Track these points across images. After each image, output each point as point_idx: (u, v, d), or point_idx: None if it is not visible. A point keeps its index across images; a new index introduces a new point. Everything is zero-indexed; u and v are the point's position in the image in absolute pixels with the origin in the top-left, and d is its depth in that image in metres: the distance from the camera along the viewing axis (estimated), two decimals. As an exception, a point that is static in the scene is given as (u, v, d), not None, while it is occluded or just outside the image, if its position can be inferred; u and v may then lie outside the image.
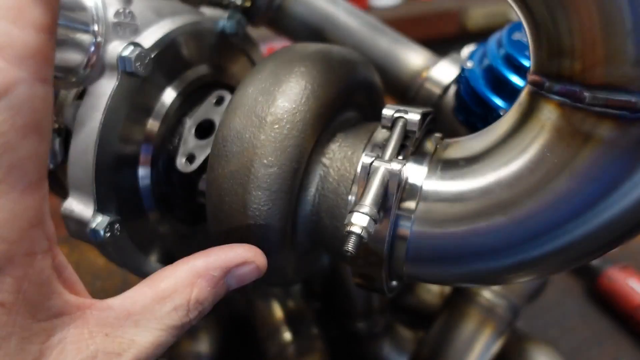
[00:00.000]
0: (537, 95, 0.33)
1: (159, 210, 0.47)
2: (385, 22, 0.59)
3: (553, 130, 0.31)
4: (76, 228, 0.40)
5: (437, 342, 0.55)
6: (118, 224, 0.40)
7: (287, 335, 0.57)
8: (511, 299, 0.57)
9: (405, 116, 0.36)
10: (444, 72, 0.55)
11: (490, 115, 0.48)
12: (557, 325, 0.83)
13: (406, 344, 0.69)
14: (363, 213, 0.32)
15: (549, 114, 0.31)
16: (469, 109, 0.50)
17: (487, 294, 0.57)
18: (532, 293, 0.61)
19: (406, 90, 0.57)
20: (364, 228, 0.31)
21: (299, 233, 0.40)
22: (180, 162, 0.43)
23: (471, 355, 0.54)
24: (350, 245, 0.31)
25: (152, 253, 0.47)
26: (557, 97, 0.31)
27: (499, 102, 0.47)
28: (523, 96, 0.35)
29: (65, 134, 0.45)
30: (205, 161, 0.43)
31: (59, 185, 0.50)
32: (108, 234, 0.39)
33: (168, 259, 0.49)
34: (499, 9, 1.67)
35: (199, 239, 0.53)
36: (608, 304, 0.85)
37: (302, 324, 0.59)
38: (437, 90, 0.55)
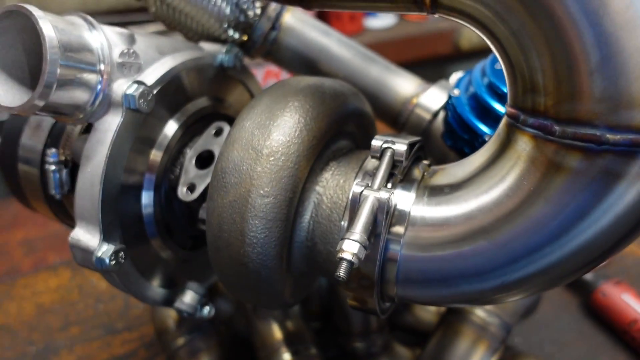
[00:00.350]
0: (514, 127, 0.35)
1: (160, 236, 0.49)
2: (380, 43, 0.62)
3: (528, 160, 0.34)
4: (83, 256, 0.42)
5: (433, 360, 0.57)
6: (122, 252, 0.42)
7: (287, 356, 0.59)
8: (503, 317, 0.59)
9: (393, 147, 0.38)
10: (433, 99, 0.58)
11: (477, 141, 0.50)
12: (553, 341, 0.84)
13: (404, 362, 0.70)
14: (353, 240, 0.34)
15: (524, 145, 0.34)
16: (456, 135, 0.52)
17: (481, 312, 0.59)
18: (525, 311, 0.63)
19: (397, 116, 0.60)
20: (354, 254, 0.33)
21: (295, 258, 0.42)
22: (182, 191, 0.46)
23: (466, 372, 0.56)
24: (341, 271, 0.33)
25: (154, 278, 0.49)
26: (531, 130, 0.33)
27: (484, 128, 0.50)
28: (501, 127, 0.37)
29: (72, 166, 0.47)
30: (206, 190, 0.45)
31: (65, 214, 0.52)
32: (113, 262, 0.41)
33: (169, 283, 0.51)
34: (491, 29, 1.71)
35: (199, 263, 0.55)
36: (603, 319, 0.86)
37: (301, 344, 0.61)
38: (427, 116, 0.58)
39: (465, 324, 0.58)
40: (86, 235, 0.41)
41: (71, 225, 0.55)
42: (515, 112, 0.35)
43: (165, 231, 0.49)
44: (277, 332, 0.61)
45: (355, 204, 0.37)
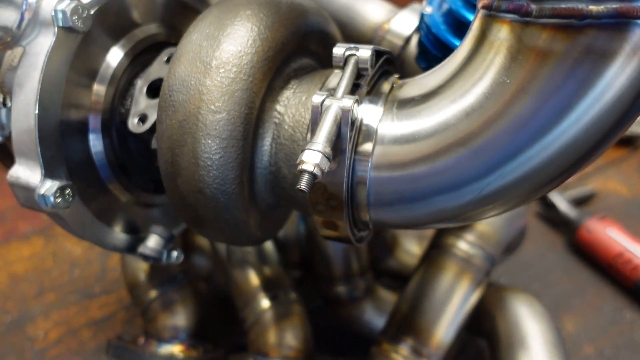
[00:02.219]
0: (488, 19, 0.31)
1: (117, 179, 0.45)
2: None
3: (507, 52, 0.30)
4: (24, 195, 0.38)
5: (415, 297, 0.55)
6: (69, 189, 0.39)
7: (265, 302, 0.57)
8: (487, 248, 0.57)
9: (357, 53, 0.34)
10: (404, 23, 0.54)
11: (452, 59, 0.47)
12: (539, 280, 0.83)
13: (388, 306, 0.69)
14: (315, 150, 0.30)
15: (499, 34, 0.30)
16: (430, 55, 0.48)
17: (463, 245, 0.57)
18: (509, 242, 0.61)
19: (369, 43, 0.56)
20: (316, 165, 0.30)
21: (258, 185, 0.39)
22: (132, 122, 0.42)
23: (450, 306, 0.54)
24: (303, 184, 0.30)
25: (114, 223, 0.46)
26: (506, 15, 0.29)
27: (459, 44, 0.46)
28: (475, 24, 0.33)
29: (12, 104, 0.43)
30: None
31: (12, 159, 0.48)
32: (59, 200, 0.38)
33: (132, 229, 0.48)
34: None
35: (164, 207, 0.51)
36: (588, 255, 0.85)
37: (279, 289, 0.58)
38: (399, 42, 0.54)
39: (447, 258, 0.56)
40: (26, 172, 0.37)
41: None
42: (488, 1, 0.31)
43: (122, 173, 0.45)
44: (253, 279, 0.58)
45: (316, 116, 0.33)
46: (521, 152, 0.32)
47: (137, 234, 0.48)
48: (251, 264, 0.59)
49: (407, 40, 0.54)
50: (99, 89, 0.41)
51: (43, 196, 0.37)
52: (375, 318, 0.68)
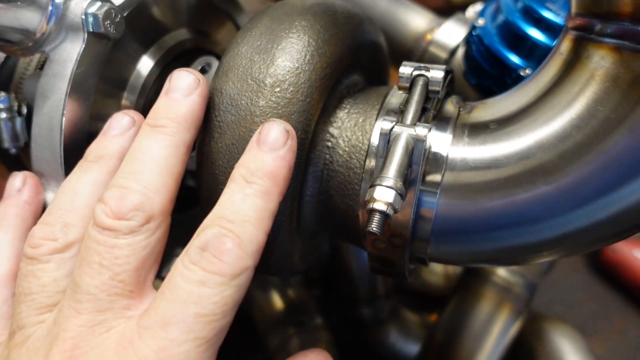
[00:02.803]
0: (584, 41, 0.28)
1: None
2: None
3: (606, 80, 0.27)
4: (45, 220, 0.34)
5: (452, 327, 0.52)
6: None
7: (291, 329, 0.53)
8: (528, 276, 0.54)
9: (427, 74, 0.31)
10: (450, 34, 0.51)
11: (508, 76, 0.43)
12: (562, 301, 0.80)
13: (412, 328, 0.65)
14: (387, 187, 0.27)
15: (601, 61, 0.27)
16: (482, 71, 0.45)
17: (502, 272, 0.53)
18: (547, 267, 0.58)
19: (408, 55, 0.52)
20: (389, 204, 0.26)
21: (305, 214, 0.35)
22: (164, 139, 0.38)
23: (489, 338, 0.51)
24: (374, 225, 0.26)
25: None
26: (611, 41, 0.26)
27: (516, 60, 0.43)
28: (564, 45, 0.30)
29: (27, 113, 0.39)
30: (193, 137, 0.37)
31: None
32: (83, 226, 0.34)
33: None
34: (485, -21, 1.62)
35: (186, 227, 0.47)
36: (614, 276, 0.82)
37: (304, 314, 0.54)
38: (443, 54, 0.50)
39: (486, 286, 0.53)
40: (48, 194, 0.33)
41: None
42: (586, 22, 0.28)
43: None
44: (278, 302, 0.55)
45: (383, 144, 0.30)
46: (614, 191, 0.28)
47: (159, 257, 0.44)
48: (274, 286, 0.56)
49: (452, 52, 0.50)
50: (128, 99, 0.37)
51: (66, 222, 0.33)
52: (399, 341, 0.64)
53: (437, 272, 0.72)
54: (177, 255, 0.43)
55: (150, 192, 0.28)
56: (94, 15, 0.32)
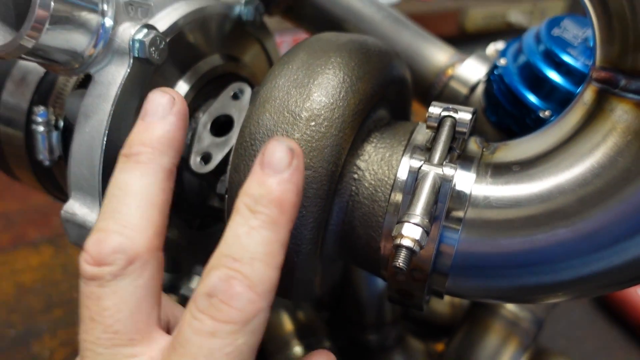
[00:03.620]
0: (608, 94, 0.29)
1: (166, 213, 0.42)
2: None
3: (628, 133, 0.28)
4: (78, 233, 0.35)
5: (459, 358, 0.52)
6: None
7: (298, 349, 0.53)
8: (535, 311, 0.54)
9: (455, 115, 0.32)
10: (471, 70, 0.52)
11: (528, 116, 0.44)
12: (566, 336, 0.81)
13: (417, 356, 0.66)
14: (415, 224, 0.28)
15: (623, 115, 0.28)
16: (502, 109, 0.46)
17: (511, 306, 0.54)
18: (554, 303, 0.58)
19: (429, 88, 0.54)
20: (416, 241, 0.28)
21: (328, 243, 0.36)
22: (195, 161, 0.39)
23: (496, 371, 0.51)
24: (400, 261, 0.27)
25: (157, 260, 0.43)
26: (635, 96, 0.27)
27: (536, 101, 0.44)
28: (587, 94, 0.31)
29: (63, 127, 0.40)
30: (222, 161, 0.38)
31: (53, 184, 0.45)
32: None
33: (173, 267, 0.45)
34: (498, 10, 1.66)
35: (207, 245, 0.48)
36: (617, 313, 0.83)
37: (313, 336, 0.55)
38: (464, 90, 0.52)
39: (494, 319, 0.53)
40: (82, 209, 0.35)
41: (60, 197, 0.48)
42: (610, 76, 0.29)
43: (171, 207, 0.42)
44: (287, 324, 0.55)
45: (411, 182, 0.31)
46: (630, 238, 0.29)
47: (177, 273, 0.45)
48: (284, 307, 0.56)
49: (473, 88, 0.52)
50: (162, 121, 0.39)
51: (98, 237, 0.34)
52: (404, 368, 0.64)
53: (443, 301, 0.73)
54: (197, 274, 0.44)
55: (130, 231, 0.26)
56: (141, 42, 0.33)
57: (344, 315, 0.64)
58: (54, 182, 0.44)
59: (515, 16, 1.66)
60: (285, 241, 0.26)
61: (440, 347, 0.67)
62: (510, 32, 1.75)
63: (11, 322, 0.76)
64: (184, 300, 0.45)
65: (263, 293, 0.25)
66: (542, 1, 1.75)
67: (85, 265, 0.26)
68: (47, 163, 0.40)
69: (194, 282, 0.44)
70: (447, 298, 0.73)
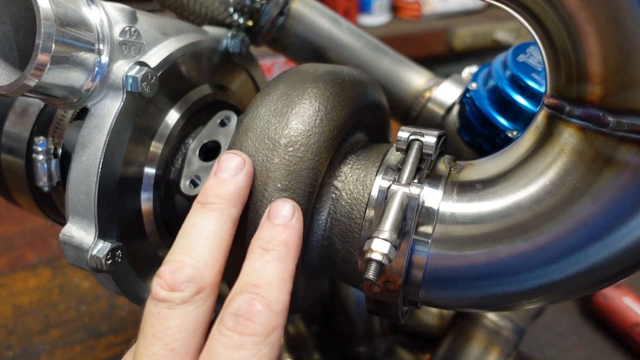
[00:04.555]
0: (556, 119, 0.32)
1: (159, 233, 0.45)
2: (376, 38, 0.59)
3: (574, 154, 0.31)
4: (75, 255, 0.38)
5: (443, 367, 0.54)
6: (120, 251, 0.38)
7: (289, 362, 0.56)
8: (516, 320, 0.57)
9: (422, 139, 0.35)
10: (446, 93, 0.55)
11: (497, 136, 0.48)
12: (553, 345, 0.83)
13: (407, 367, 0.68)
14: (383, 239, 0.31)
15: (569, 138, 0.31)
16: (474, 130, 0.49)
17: (492, 316, 0.56)
18: (535, 313, 0.61)
19: (409, 110, 0.57)
20: (384, 255, 0.30)
21: (309, 258, 0.39)
22: (185, 185, 0.42)
23: (478, 379, 0.53)
24: (370, 273, 0.30)
25: (150, 278, 0.45)
26: (578, 122, 0.30)
27: (505, 122, 0.47)
28: (540, 119, 0.34)
29: (62, 155, 0.43)
30: (211, 184, 0.41)
31: (52, 209, 0.48)
32: (109, 262, 0.37)
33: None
34: (485, 29, 1.71)
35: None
36: (604, 322, 0.85)
37: (303, 350, 0.57)
38: (440, 111, 0.55)
39: (476, 328, 0.56)
40: (79, 232, 0.37)
41: (58, 221, 0.51)
42: (558, 103, 0.32)
43: (164, 228, 0.45)
44: (278, 337, 0.57)
45: (382, 200, 0.34)
46: (582, 249, 0.32)
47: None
48: (276, 321, 0.59)
49: (448, 110, 0.55)
50: (156, 146, 0.42)
51: (95, 258, 0.37)
52: (393, 380, 0.66)
53: (432, 312, 0.75)
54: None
55: (201, 265, 0.30)
56: (134, 78, 0.36)
57: (334, 328, 0.66)
58: (53, 206, 0.47)
59: (502, 34, 1.71)
60: (292, 272, 0.32)
61: (428, 357, 0.69)
62: (497, 49, 1.80)
63: (9, 344, 0.78)
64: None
65: (279, 311, 0.29)
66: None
67: (159, 289, 0.29)
68: (46, 189, 0.43)
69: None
70: (435, 310, 0.76)
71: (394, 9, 1.73)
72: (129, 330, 0.83)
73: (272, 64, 1.50)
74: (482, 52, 1.82)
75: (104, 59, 0.36)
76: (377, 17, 1.66)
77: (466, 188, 0.36)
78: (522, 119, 0.47)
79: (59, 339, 0.80)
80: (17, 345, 0.78)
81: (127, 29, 0.37)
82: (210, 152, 0.44)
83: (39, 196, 0.47)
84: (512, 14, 0.33)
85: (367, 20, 1.65)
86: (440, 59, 1.74)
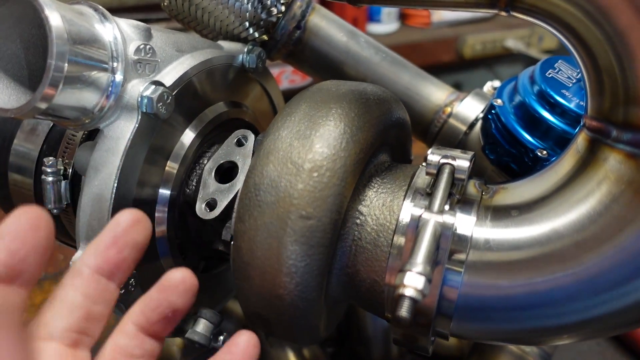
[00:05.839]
0: (600, 143, 0.30)
1: (173, 257, 0.43)
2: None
3: (621, 182, 0.29)
4: (87, 284, 0.36)
5: (466, 394, 0.52)
6: (133, 280, 0.36)
7: (304, 387, 0.53)
8: (543, 345, 0.54)
9: (454, 163, 0.33)
10: (469, 108, 0.53)
11: (526, 155, 0.45)
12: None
13: (425, 390, 0.65)
14: (417, 273, 0.28)
15: (616, 165, 0.29)
16: (501, 148, 0.47)
17: (517, 340, 0.54)
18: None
19: (429, 126, 0.55)
20: (419, 291, 0.28)
21: (332, 286, 0.37)
22: (200, 208, 0.40)
23: (503, 408, 0.51)
24: (404, 310, 0.28)
25: (164, 304, 0.43)
26: (627, 148, 0.28)
27: (533, 140, 0.45)
28: (580, 142, 0.32)
29: (72, 176, 0.41)
30: (227, 207, 0.39)
31: (61, 231, 0.46)
32: (122, 291, 0.35)
33: (180, 310, 0.45)
34: (496, 36, 1.69)
35: (209, 287, 0.49)
36: (627, 342, 0.82)
37: (319, 374, 0.55)
38: (463, 127, 0.53)
39: (501, 354, 0.53)
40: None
41: (67, 243, 0.49)
42: (602, 126, 0.30)
43: (178, 251, 0.43)
44: (293, 361, 0.55)
45: (413, 228, 0.32)
46: (629, 283, 0.30)
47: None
48: (290, 345, 0.56)
49: (471, 126, 0.53)
50: (171, 167, 0.40)
51: (108, 288, 0.35)
52: (411, 403, 0.64)
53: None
54: (203, 317, 0.45)
55: None
56: (149, 98, 0.35)
57: (349, 349, 0.64)
58: (61, 228, 0.45)
59: (513, 42, 1.69)
60: None
61: (447, 380, 0.67)
62: (507, 57, 1.78)
63: None
64: (189, 344, 0.45)
65: None
66: (538, 27, 1.79)
67: None
68: (55, 212, 0.41)
69: (200, 326, 0.44)
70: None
71: (403, 16, 1.71)
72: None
73: (281, 72, 1.48)
74: (492, 60, 1.79)
75: (118, 77, 0.35)
76: (386, 25, 1.64)
77: (500, 214, 0.34)
78: (551, 137, 0.45)
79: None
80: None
81: (142, 46, 0.36)
82: (226, 172, 0.42)
83: (48, 218, 0.45)
84: (552, 32, 0.31)
85: (376, 28, 1.63)
86: (449, 67, 1.72)
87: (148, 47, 0.36)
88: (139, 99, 0.35)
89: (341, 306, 0.43)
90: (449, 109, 0.54)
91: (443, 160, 0.34)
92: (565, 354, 0.81)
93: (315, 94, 0.37)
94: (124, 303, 0.37)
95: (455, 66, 1.74)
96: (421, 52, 1.63)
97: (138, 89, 0.35)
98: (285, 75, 1.51)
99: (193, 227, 0.44)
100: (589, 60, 0.30)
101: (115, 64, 0.34)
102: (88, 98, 0.34)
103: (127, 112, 0.35)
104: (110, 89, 0.34)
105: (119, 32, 0.34)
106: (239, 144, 0.43)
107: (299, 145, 0.33)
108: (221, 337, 0.46)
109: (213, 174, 0.41)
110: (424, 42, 1.65)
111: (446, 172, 0.33)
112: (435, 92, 0.55)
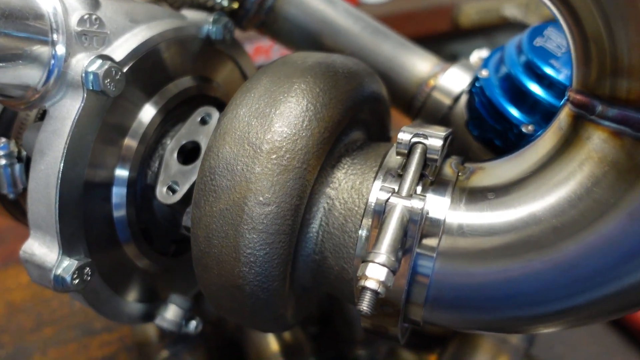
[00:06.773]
0: (584, 120, 0.28)
1: (136, 242, 0.41)
2: (376, 19, 0.54)
3: (604, 162, 0.26)
4: (38, 273, 0.34)
5: (448, 376, 0.51)
6: (88, 268, 0.34)
7: (284, 370, 0.52)
8: (527, 326, 0.53)
9: (425, 142, 0.30)
10: (454, 80, 0.50)
11: (510, 131, 0.43)
12: (563, 342, 0.79)
13: (410, 369, 0.64)
14: (380, 264, 0.26)
15: (600, 144, 0.26)
16: (485, 124, 0.45)
17: (501, 321, 0.52)
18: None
19: (412, 100, 0.52)
20: (381, 283, 0.26)
21: (299, 273, 0.35)
22: (161, 191, 0.38)
23: (486, 390, 0.50)
24: (365, 304, 0.26)
25: (129, 292, 0.41)
26: (612, 125, 0.26)
27: (518, 115, 0.43)
28: (563, 118, 0.30)
29: (27, 159, 0.39)
30: (190, 190, 0.37)
31: (22, 214, 0.44)
32: (76, 281, 0.33)
33: (149, 296, 0.44)
34: (492, 4, 1.63)
35: (182, 271, 0.47)
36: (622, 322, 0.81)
37: (299, 356, 0.54)
38: (447, 101, 0.50)
39: (483, 336, 0.52)
40: (42, 249, 0.33)
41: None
42: (587, 101, 0.27)
43: (142, 236, 0.41)
44: (273, 344, 0.54)
45: (379, 215, 0.29)
46: (610, 271, 0.28)
47: (153, 302, 0.44)
48: (270, 326, 0.55)
49: (456, 99, 0.50)
50: (129, 145, 0.37)
51: (59, 277, 0.33)
52: (396, 383, 0.63)
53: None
54: (174, 303, 0.43)
55: None
56: (95, 74, 0.32)
57: (333, 331, 0.63)
58: (23, 211, 0.43)
59: (510, 10, 1.63)
60: None
61: (432, 358, 0.66)
62: (505, 26, 1.72)
63: (1, 343, 0.76)
64: (161, 330, 0.43)
65: None
66: (537, -7, 1.72)
67: None
68: (11, 196, 0.39)
69: (170, 312, 0.43)
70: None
71: (398, -16, 1.65)
72: (123, 328, 0.80)
73: (271, 45, 1.43)
74: (488, 30, 1.73)
75: (60, 51, 0.32)
76: (380, -7, 1.58)
77: (476, 196, 0.32)
78: (539, 111, 0.42)
79: (52, 337, 0.77)
80: (10, 344, 0.76)
81: (86, 17, 0.33)
82: (189, 153, 0.39)
83: (7, 202, 0.43)
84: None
85: (370, -3, 1.57)
86: (445, 37, 1.66)
87: (94, 17, 0.33)
88: (84, 74, 0.32)
89: (312, 293, 0.41)
90: (432, 82, 0.51)
91: (414, 139, 0.31)
92: (553, 332, 0.80)
93: (279, 67, 0.34)
94: (81, 293, 0.35)
95: (451, 36, 1.68)
96: (415, 22, 1.57)
97: (82, 64, 0.32)
98: (275, 49, 1.46)
99: (159, 210, 0.42)
100: (575, 26, 0.27)
101: (55, 37, 0.31)
102: (29, 74, 0.31)
103: (72, 90, 0.33)
104: (52, 63, 0.32)
105: (58, 2, 0.31)
106: (203, 122, 0.40)
107: (257, 124, 0.30)
108: (193, 322, 0.44)
109: (175, 154, 0.39)
110: (418, 11, 1.59)
111: (417, 152, 0.31)
112: (419, 63, 0.52)
